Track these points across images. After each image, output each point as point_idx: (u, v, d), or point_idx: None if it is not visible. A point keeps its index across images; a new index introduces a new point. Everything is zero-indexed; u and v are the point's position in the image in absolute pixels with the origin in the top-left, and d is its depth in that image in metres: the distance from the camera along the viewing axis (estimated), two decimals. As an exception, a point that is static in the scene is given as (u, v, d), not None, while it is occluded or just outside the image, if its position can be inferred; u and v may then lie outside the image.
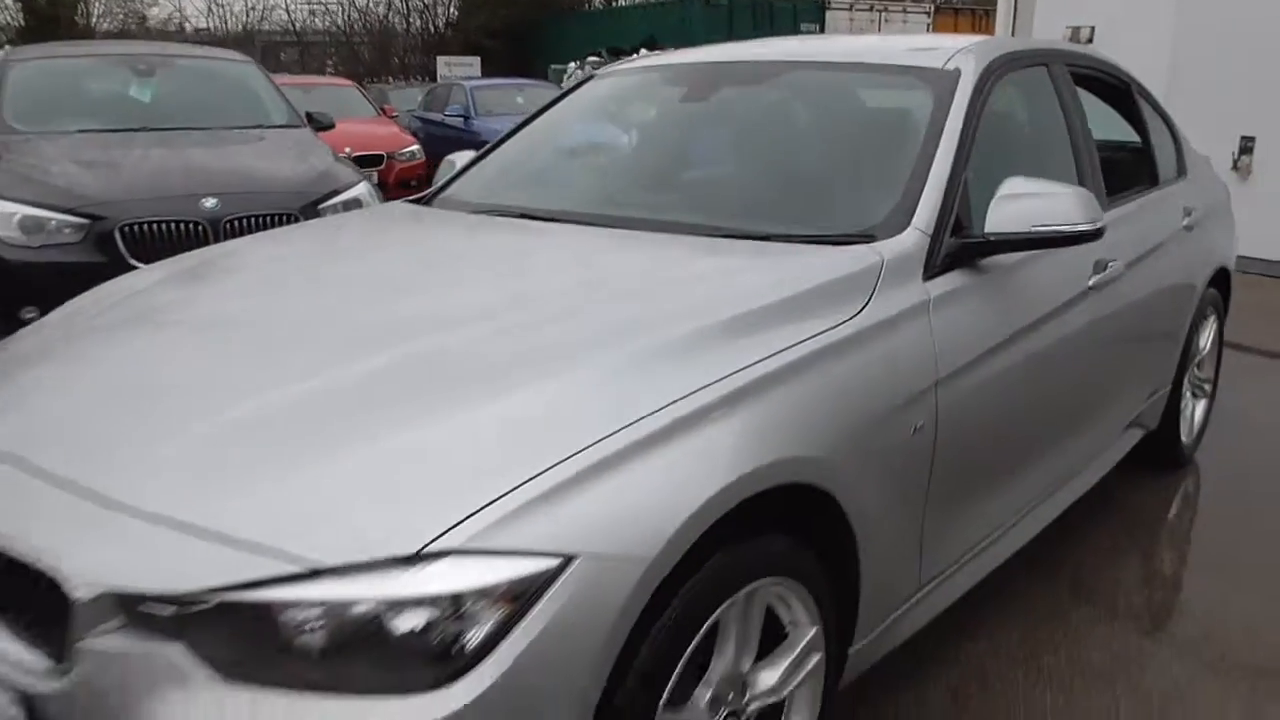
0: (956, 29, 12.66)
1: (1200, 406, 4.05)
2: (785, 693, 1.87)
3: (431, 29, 32.40)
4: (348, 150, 8.46)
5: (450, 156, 3.36)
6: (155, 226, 4.68)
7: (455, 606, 1.36)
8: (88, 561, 1.44)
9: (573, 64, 18.01)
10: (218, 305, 2.22)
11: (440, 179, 3.24)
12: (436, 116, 13.40)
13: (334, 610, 1.36)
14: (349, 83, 13.35)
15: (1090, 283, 2.74)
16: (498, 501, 1.41)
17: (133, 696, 1.41)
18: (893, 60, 2.77)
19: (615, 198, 2.76)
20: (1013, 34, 9.45)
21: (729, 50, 3.24)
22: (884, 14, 22.58)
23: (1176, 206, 3.59)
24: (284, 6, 32.62)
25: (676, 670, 1.58)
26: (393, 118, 12.56)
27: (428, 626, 1.36)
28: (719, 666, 1.71)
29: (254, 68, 6.82)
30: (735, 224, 2.36)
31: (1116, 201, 3.11)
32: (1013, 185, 2.30)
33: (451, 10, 32.39)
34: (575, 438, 1.52)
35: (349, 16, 32.31)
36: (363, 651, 1.37)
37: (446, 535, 1.37)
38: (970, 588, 2.49)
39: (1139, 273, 3.09)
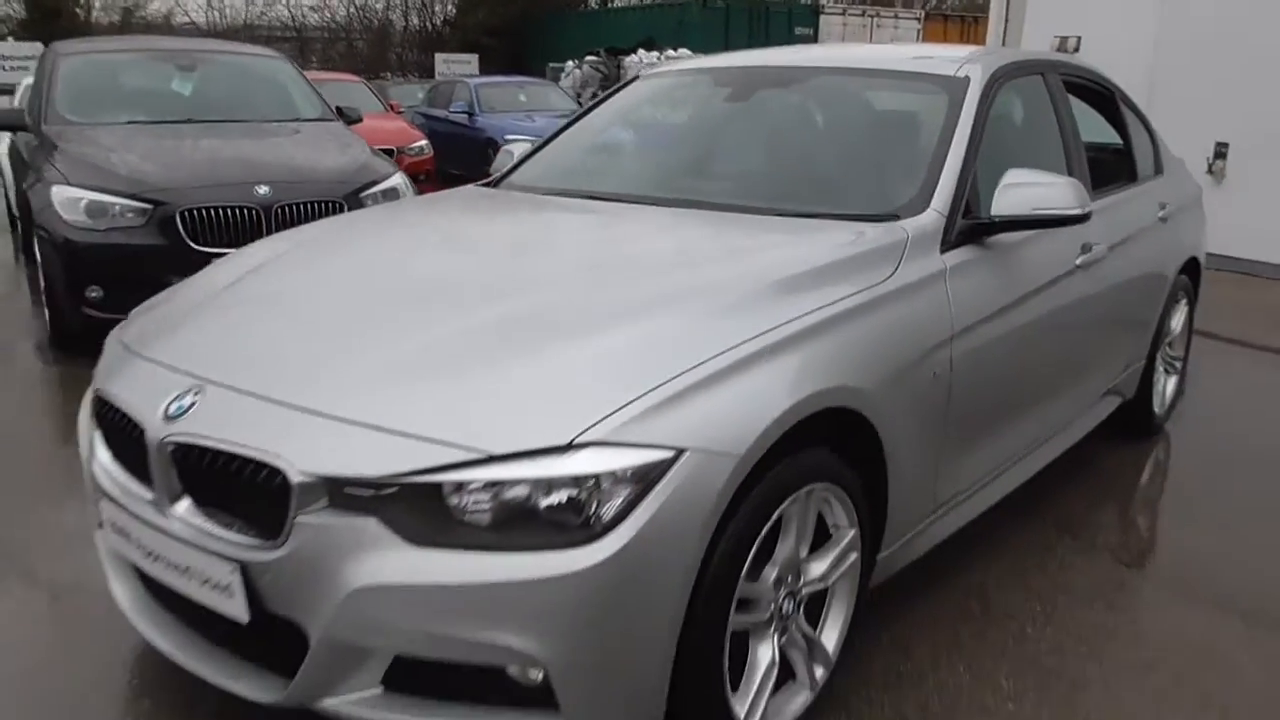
0: (946, 36, 13.13)
1: (1171, 381, 4.50)
2: (829, 582, 2.29)
3: (429, 26, 32.76)
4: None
5: (508, 146, 3.77)
6: (213, 211, 5.05)
7: (596, 485, 1.76)
8: (303, 455, 1.83)
9: (570, 63, 18.40)
10: (362, 263, 2.63)
11: (501, 167, 3.65)
12: (440, 113, 13.76)
13: (501, 488, 1.76)
14: (356, 78, 13.68)
15: (1077, 262, 3.18)
16: (627, 406, 1.82)
17: (338, 558, 1.80)
18: (912, 68, 3.19)
19: (672, 182, 3.18)
20: (1003, 42, 9.90)
21: (764, 55, 3.68)
22: (875, 20, 23.10)
23: (1153, 201, 4.03)
24: (285, 2, 32.72)
25: (754, 547, 1.99)
26: (399, 113, 12.89)
27: (575, 500, 1.76)
28: (782, 552, 2.12)
29: (287, 64, 7.19)
30: (782, 205, 2.79)
31: (1101, 194, 3.54)
32: (1014, 175, 2.73)
33: (449, 8, 32.76)
34: (680, 362, 1.93)
35: (349, 13, 32.63)
36: (523, 519, 1.77)
37: (590, 430, 1.78)
38: (974, 517, 2.92)
39: (1119, 257, 3.52)
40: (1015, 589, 3.02)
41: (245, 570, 1.89)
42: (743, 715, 2.07)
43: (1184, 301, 4.44)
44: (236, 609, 1.92)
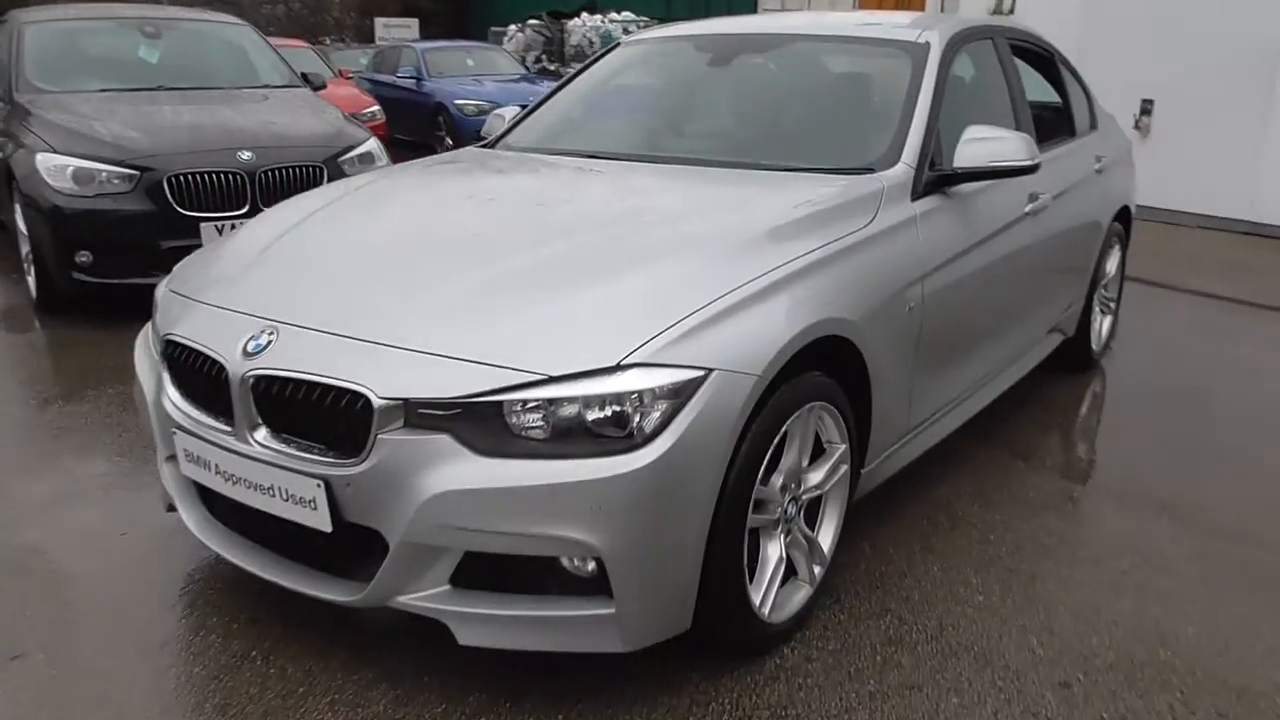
0: (881, 3, 13.43)
1: (1106, 321, 4.92)
2: (825, 490, 2.62)
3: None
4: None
5: (498, 111, 4.03)
6: (199, 177, 5.20)
7: (640, 400, 2.06)
8: (382, 382, 2.10)
9: (513, 27, 18.42)
10: (399, 216, 2.88)
11: (494, 130, 3.90)
12: (387, 78, 13.77)
13: (559, 405, 2.05)
14: (304, 44, 13.61)
15: (1026, 209, 3.53)
16: (663, 333, 2.12)
17: (415, 469, 2.08)
18: (878, 34, 3.50)
19: (666, 142, 3.47)
20: (941, 8, 10.27)
21: (739, 23, 3.95)
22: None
23: (1089, 154, 4.41)
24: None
25: (767, 456, 2.30)
26: (348, 79, 12.88)
27: (621, 414, 2.06)
28: (787, 462, 2.44)
29: (251, 30, 7.27)
30: (769, 160, 3.09)
31: (1044, 148, 3.88)
32: (974, 131, 3.07)
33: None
34: (702, 296, 2.23)
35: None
36: (576, 431, 2.06)
37: (634, 353, 2.08)
38: (940, 440, 3.28)
39: (1061, 205, 3.89)
40: (977, 502, 3.39)
41: (329, 485, 2.15)
42: (758, 602, 2.40)
43: (1117, 247, 4.85)
44: (320, 520, 2.19)
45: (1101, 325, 4.85)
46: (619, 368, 2.06)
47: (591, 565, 2.11)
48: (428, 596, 2.19)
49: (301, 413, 2.21)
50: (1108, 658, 2.55)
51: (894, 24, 3.61)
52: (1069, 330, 4.42)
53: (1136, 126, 8.79)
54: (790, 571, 2.58)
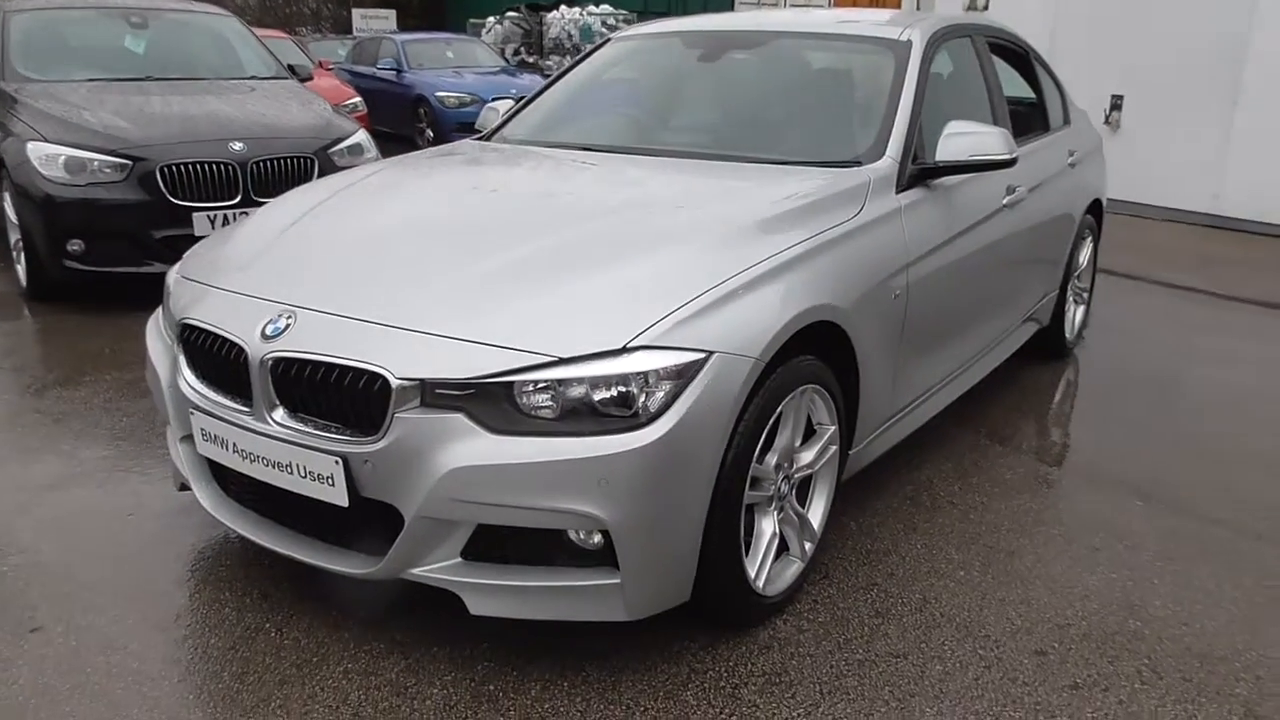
0: (856, 2, 13.54)
1: (1080, 311, 5.09)
2: (815, 469, 2.75)
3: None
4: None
5: (492, 104, 4.12)
6: (191, 167, 5.26)
7: (645, 381, 2.17)
8: (400, 363, 2.20)
9: (492, 19, 18.43)
10: (407, 206, 2.97)
11: (488, 123, 3.99)
12: (367, 69, 13.77)
13: (568, 385, 2.16)
14: (284, 35, 13.58)
15: (1004, 201, 3.68)
16: (667, 317, 2.23)
17: (431, 447, 2.18)
18: (862, 32, 3.63)
19: (660, 135, 3.59)
20: (917, 6, 10.43)
21: (726, 20, 4.08)
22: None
23: (1063, 148, 4.57)
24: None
25: (763, 436, 2.42)
26: (329, 70, 12.88)
27: (626, 394, 2.17)
28: (781, 442, 2.56)
29: (235, 21, 7.30)
30: (760, 153, 3.21)
31: (1020, 142, 4.03)
32: (955, 126, 3.20)
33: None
34: (703, 282, 2.35)
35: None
36: (585, 409, 2.17)
37: (640, 336, 2.19)
38: (922, 424, 3.42)
39: (1036, 198, 4.04)
40: (957, 483, 3.53)
41: (346, 462, 2.25)
42: (753, 575, 2.53)
43: (1090, 239, 5.01)
44: (337, 496, 2.29)
45: (1075, 315, 5.01)
46: (625, 350, 2.18)
47: (597, 538, 2.23)
48: (441, 568, 2.29)
49: (319, 393, 2.30)
50: (1081, 627, 2.69)
51: (876, 22, 3.74)
52: (1044, 319, 4.58)
53: (1107, 121, 9.00)
54: (783, 547, 2.71)
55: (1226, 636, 2.67)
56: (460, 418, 2.18)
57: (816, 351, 2.63)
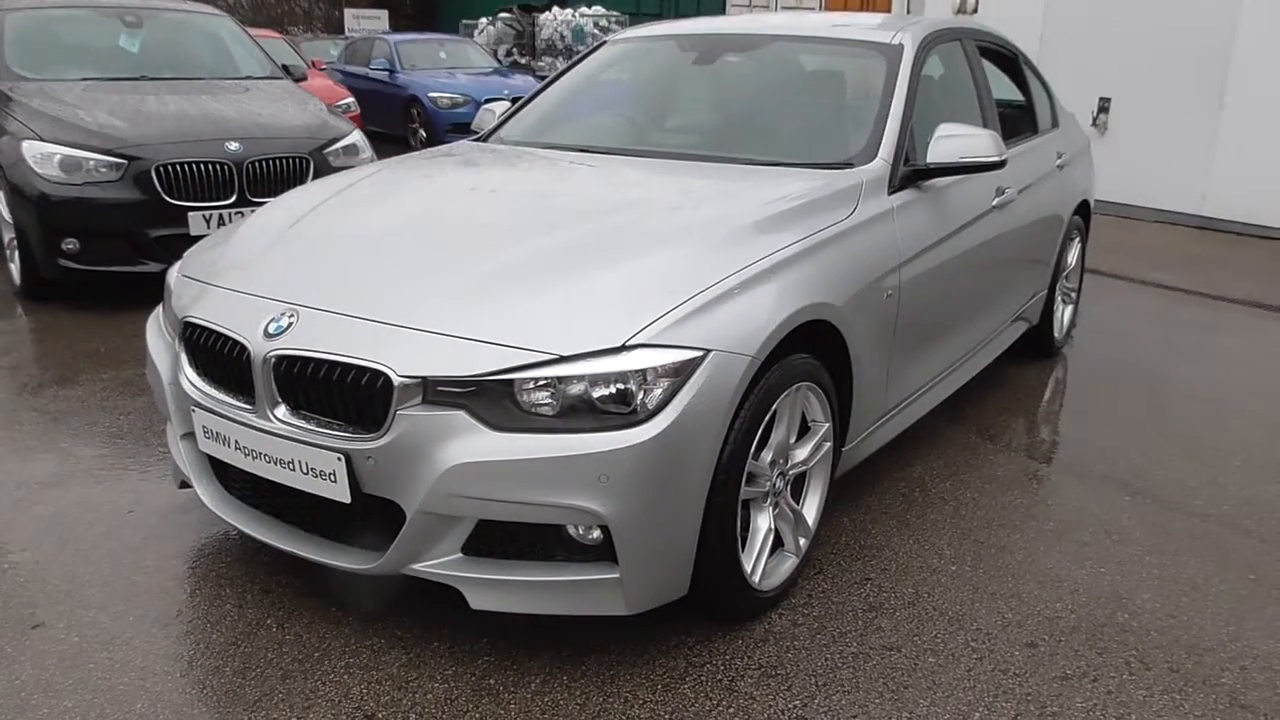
0: (846, 6, 13.62)
1: (1068, 310, 5.15)
2: (809, 466, 2.79)
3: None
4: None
5: (488, 106, 4.15)
6: (187, 166, 5.27)
7: (644, 378, 2.21)
8: (402, 361, 2.23)
9: (484, 20, 18.44)
10: (407, 206, 3.00)
11: (484, 124, 4.03)
12: (359, 70, 13.77)
13: (568, 382, 2.19)
14: (277, 35, 13.57)
15: (994, 203, 3.73)
16: (665, 315, 2.27)
17: (432, 443, 2.21)
18: (855, 36, 3.67)
19: (655, 137, 3.63)
20: (907, 9, 10.49)
21: (720, 24, 4.11)
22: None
23: (1051, 150, 4.62)
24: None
25: (758, 432, 2.47)
26: (321, 70, 12.88)
27: (625, 391, 2.21)
28: (776, 439, 2.60)
29: (230, 21, 7.31)
30: (755, 155, 3.25)
31: (1009, 144, 4.08)
32: (945, 129, 3.24)
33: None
34: (700, 281, 2.39)
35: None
36: (585, 406, 2.21)
37: (639, 334, 2.23)
38: (914, 421, 3.47)
39: (1025, 199, 4.09)
40: (948, 480, 3.58)
41: (349, 458, 2.28)
42: (749, 570, 2.57)
43: (1078, 239, 5.07)
44: (339, 492, 2.32)
45: (1063, 314, 5.07)
46: (624, 348, 2.21)
47: (596, 533, 2.27)
48: (442, 563, 2.33)
49: (321, 390, 2.33)
50: (1070, 620, 2.74)
51: (868, 26, 3.78)
52: (1033, 319, 4.63)
53: (1094, 124, 9.07)
54: (778, 543, 2.75)
55: (1213, 628, 2.72)
56: (461, 415, 2.21)
57: (811, 350, 2.68)
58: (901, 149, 3.22)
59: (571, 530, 2.30)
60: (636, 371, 2.20)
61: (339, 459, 2.29)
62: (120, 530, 3.10)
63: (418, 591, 2.67)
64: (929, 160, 3.23)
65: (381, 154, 5.22)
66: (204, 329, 2.56)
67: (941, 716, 2.33)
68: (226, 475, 2.69)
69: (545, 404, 2.21)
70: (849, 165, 3.13)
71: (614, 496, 2.19)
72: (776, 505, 2.69)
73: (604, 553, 2.28)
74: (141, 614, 2.67)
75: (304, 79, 7.24)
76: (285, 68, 7.13)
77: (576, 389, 2.20)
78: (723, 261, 2.49)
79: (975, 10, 9.80)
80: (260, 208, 3.22)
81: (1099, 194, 5.49)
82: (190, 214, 5.26)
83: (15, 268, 5.58)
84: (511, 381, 2.20)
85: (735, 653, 2.55)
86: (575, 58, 4.23)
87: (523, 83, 12.95)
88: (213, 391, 2.55)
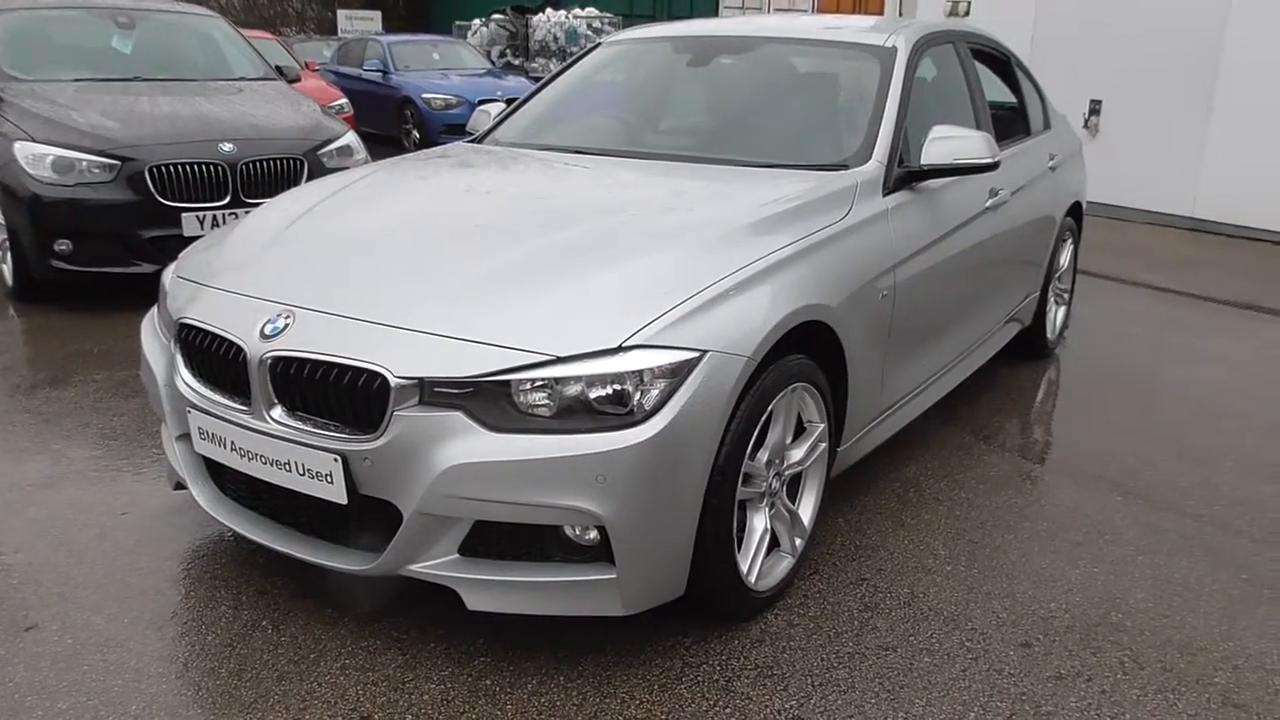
0: (839, 7, 13.65)
1: (1061, 311, 5.17)
2: (805, 466, 2.80)
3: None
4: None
5: (483, 107, 4.15)
6: (180, 168, 5.26)
7: (640, 379, 2.21)
8: (399, 362, 2.23)
9: (477, 21, 18.44)
10: (403, 207, 3.00)
11: (479, 125, 4.03)
12: (353, 71, 13.76)
13: (565, 383, 2.20)
14: (270, 35, 13.55)
15: (987, 204, 3.74)
16: (661, 316, 2.28)
17: (430, 444, 2.21)
18: (849, 38, 3.68)
19: (650, 139, 3.63)
20: (899, 11, 10.52)
21: (715, 25, 4.13)
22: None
23: (1044, 152, 4.64)
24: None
25: (754, 433, 2.47)
26: (315, 71, 12.86)
27: (622, 392, 2.21)
28: (772, 439, 2.61)
29: (223, 22, 7.30)
30: (750, 157, 3.26)
31: (1002, 146, 4.10)
32: (939, 130, 3.26)
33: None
34: (696, 283, 2.39)
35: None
36: (581, 407, 2.21)
37: (635, 335, 2.23)
38: (908, 422, 3.48)
39: (1018, 200, 4.11)
40: (942, 481, 3.59)
41: (345, 459, 2.28)
42: (745, 570, 2.57)
43: (1070, 241, 5.09)
44: (336, 493, 2.32)
45: (1056, 315, 5.09)
46: (621, 349, 2.22)
47: (593, 533, 2.27)
48: (438, 564, 2.33)
49: (318, 392, 2.33)
50: (1064, 620, 2.75)
51: (861, 28, 3.79)
52: (1026, 320, 4.65)
53: (1086, 126, 9.11)
54: (774, 543, 2.75)
55: (1205, 628, 2.73)
56: (459, 416, 2.21)
57: (806, 350, 2.68)
58: (896, 151, 3.23)
59: (568, 531, 2.30)
60: (633, 372, 2.21)
61: (335, 460, 2.29)
62: (114, 532, 3.09)
63: (414, 592, 2.68)
64: (923, 162, 3.24)
65: (375, 155, 5.23)
66: (199, 330, 2.56)
67: (937, 716, 2.34)
68: (222, 476, 2.69)
69: (542, 405, 2.21)
70: (844, 167, 3.14)
71: (611, 497, 2.19)
72: (772, 505, 2.70)
73: (601, 553, 2.29)
74: (136, 616, 2.67)
75: (297, 80, 7.24)
76: (278, 69, 7.12)
77: (573, 390, 2.20)
78: (719, 263, 2.50)
79: (967, 13, 9.83)
80: (256, 209, 3.22)
81: (1090, 195, 5.51)
82: (184, 215, 5.25)
83: (8, 269, 5.56)
84: (509, 382, 2.20)
85: (731, 653, 2.55)
86: (570, 59, 4.24)
87: (516, 84, 12.96)
88: (208, 393, 2.54)
